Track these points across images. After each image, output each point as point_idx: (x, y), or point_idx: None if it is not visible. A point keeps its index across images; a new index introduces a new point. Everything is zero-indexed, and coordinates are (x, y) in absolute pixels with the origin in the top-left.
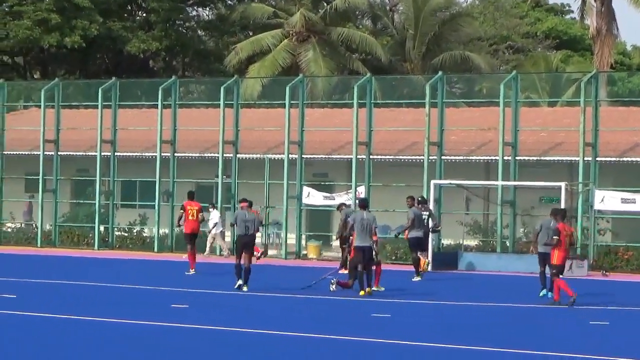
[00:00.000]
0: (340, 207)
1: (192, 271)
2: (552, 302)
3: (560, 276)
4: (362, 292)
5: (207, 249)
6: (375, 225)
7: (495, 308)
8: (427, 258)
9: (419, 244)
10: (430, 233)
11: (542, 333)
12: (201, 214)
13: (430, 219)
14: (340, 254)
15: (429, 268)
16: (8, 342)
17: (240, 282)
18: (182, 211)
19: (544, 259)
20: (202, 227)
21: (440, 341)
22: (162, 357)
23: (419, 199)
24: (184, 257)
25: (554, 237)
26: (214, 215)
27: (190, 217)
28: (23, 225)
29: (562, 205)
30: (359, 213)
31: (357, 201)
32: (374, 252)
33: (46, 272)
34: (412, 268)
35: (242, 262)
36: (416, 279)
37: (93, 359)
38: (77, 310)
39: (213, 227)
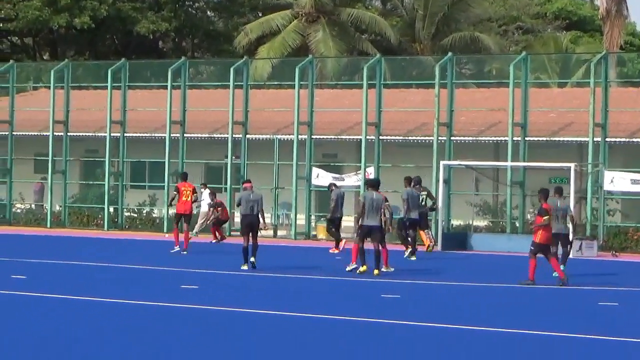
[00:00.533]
0: (330, 187)
1: (176, 248)
2: (559, 282)
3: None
4: (362, 268)
5: (197, 227)
6: (383, 206)
7: (504, 289)
8: (432, 236)
9: (414, 225)
10: (430, 212)
11: (551, 314)
12: (195, 194)
13: (429, 199)
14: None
15: (439, 248)
16: (18, 323)
17: (245, 267)
18: (175, 192)
19: (556, 239)
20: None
21: (449, 322)
22: (172, 338)
23: (415, 179)
24: (167, 235)
25: (545, 217)
26: (206, 195)
27: (183, 198)
28: (33, 206)
29: (572, 186)
30: (368, 193)
31: (367, 182)
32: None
33: (56, 252)
34: (416, 247)
35: (250, 241)
36: (409, 256)
37: (103, 339)
38: (87, 291)
39: (208, 207)
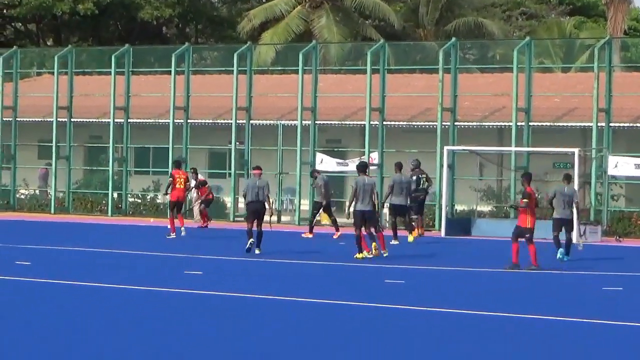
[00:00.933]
0: (314, 173)
1: (173, 235)
2: (509, 265)
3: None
4: (359, 256)
5: (195, 214)
6: (375, 190)
7: (508, 274)
8: (421, 224)
9: (400, 210)
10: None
11: (555, 298)
12: (188, 182)
13: (426, 182)
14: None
15: (443, 233)
16: (22, 309)
17: (252, 240)
18: (170, 179)
19: (560, 224)
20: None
21: (453, 307)
22: (177, 325)
23: (414, 162)
24: (152, 220)
25: (524, 199)
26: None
27: (178, 186)
28: (37, 192)
29: (576, 171)
30: (360, 178)
31: (356, 166)
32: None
33: (60, 238)
34: (408, 233)
35: (254, 227)
36: (393, 242)
37: (108, 325)
38: (91, 277)
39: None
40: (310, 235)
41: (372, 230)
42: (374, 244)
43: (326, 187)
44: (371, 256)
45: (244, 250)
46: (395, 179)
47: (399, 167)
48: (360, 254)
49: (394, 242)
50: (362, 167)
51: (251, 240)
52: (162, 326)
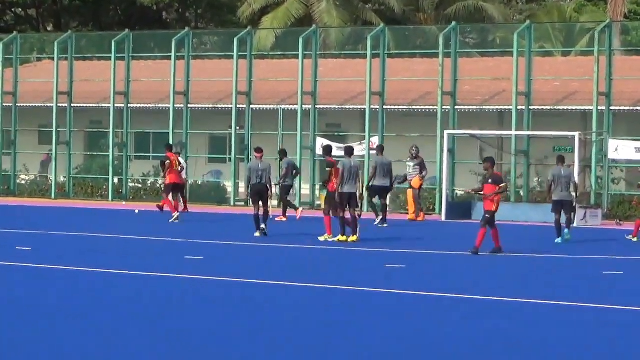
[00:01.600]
0: (281, 154)
1: (175, 214)
2: (473, 250)
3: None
4: (341, 238)
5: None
6: (360, 173)
7: (508, 258)
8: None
9: (381, 192)
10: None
11: (555, 282)
12: (181, 165)
13: (419, 168)
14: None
15: (443, 217)
16: (23, 295)
17: (258, 234)
18: (168, 162)
19: (560, 206)
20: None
21: (455, 291)
22: (177, 310)
23: (413, 149)
24: (124, 203)
25: (502, 184)
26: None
27: (175, 168)
28: (37, 177)
29: (576, 155)
30: (346, 160)
31: (344, 149)
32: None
33: (61, 224)
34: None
35: (260, 210)
36: (383, 224)
37: (107, 311)
38: (92, 262)
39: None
40: (284, 219)
41: (355, 212)
42: (354, 237)
43: (288, 170)
44: (345, 238)
45: (245, 235)
46: (377, 161)
47: (380, 150)
48: (328, 235)
49: (380, 223)
50: (349, 151)
51: (257, 234)
52: (163, 312)
